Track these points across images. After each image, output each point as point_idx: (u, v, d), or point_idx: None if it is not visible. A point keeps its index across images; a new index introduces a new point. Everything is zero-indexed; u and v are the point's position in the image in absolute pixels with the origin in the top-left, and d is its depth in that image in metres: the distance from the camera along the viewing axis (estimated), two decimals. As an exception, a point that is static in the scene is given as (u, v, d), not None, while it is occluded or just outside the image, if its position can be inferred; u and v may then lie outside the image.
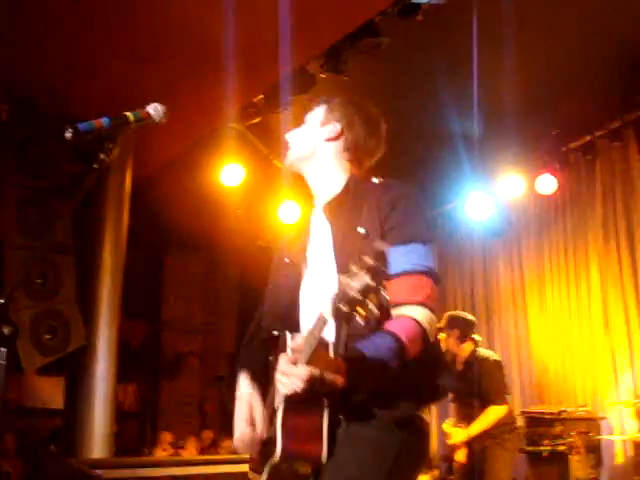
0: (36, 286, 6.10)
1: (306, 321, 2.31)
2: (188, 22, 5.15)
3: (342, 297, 1.82)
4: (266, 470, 2.21)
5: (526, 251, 8.63)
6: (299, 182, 2.64)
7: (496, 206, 8.41)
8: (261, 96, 6.29)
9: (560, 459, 6.50)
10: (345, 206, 2.38)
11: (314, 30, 5.37)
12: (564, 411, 6.80)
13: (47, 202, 6.24)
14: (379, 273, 1.80)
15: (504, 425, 5.65)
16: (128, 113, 2.13)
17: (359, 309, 1.82)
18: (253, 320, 2.67)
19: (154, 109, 2.20)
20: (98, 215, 6.61)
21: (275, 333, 2.41)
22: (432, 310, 2.19)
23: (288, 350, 2.06)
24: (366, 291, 1.80)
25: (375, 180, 2.44)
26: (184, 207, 8.29)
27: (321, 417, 2.09)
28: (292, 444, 2.11)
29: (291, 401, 2.09)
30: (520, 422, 7.07)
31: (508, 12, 5.47)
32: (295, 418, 2.13)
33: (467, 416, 5.79)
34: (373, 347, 2.06)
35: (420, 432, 2.30)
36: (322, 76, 5.94)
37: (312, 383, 1.93)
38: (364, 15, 5.31)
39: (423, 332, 2.15)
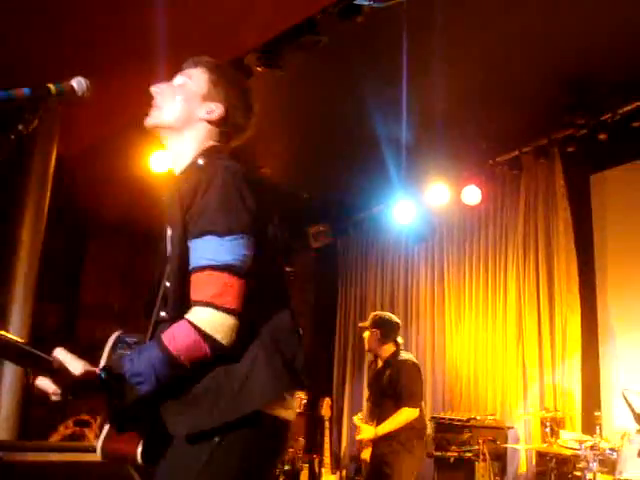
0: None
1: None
2: (123, 6, 5.07)
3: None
4: None
5: (447, 260, 8.76)
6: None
7: (421, 213, 8.53)
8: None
9: (466, 465, 6.63)
10: (172, 195, 2.18)
11: (254, 22, 5.34)
12: (473, 419, 6.93)
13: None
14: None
15: (413, 430, 5.65)
16: (50, 85, 2.07)
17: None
18: None
19: (77, 83, 2.14)
20: (18, 194, 6.43)
21: None
22: (222, 309, 1.97)
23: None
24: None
25: (200, 162, 2.22)
26: (110, 191, 8.15)
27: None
28: (109, 443, 2.09)
29: None
30: (430, 427, 7.18)
31: (440, 23, 5.54)
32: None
33: (378, 416, 5.78)
34: (135, 357, 1.98)
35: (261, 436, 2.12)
36: (258, 69, 5.91)
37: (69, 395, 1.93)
38: (305, 11, 5.30)
39: (200, 335, 1.95)
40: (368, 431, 5.76)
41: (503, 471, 6.70)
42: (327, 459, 7.20)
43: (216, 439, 2.01)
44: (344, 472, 7.93)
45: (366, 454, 5.82)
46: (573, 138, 7.20)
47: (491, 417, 7.14)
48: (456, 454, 6.73)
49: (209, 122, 2.32)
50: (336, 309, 10.19)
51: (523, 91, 6.69)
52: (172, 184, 2.25)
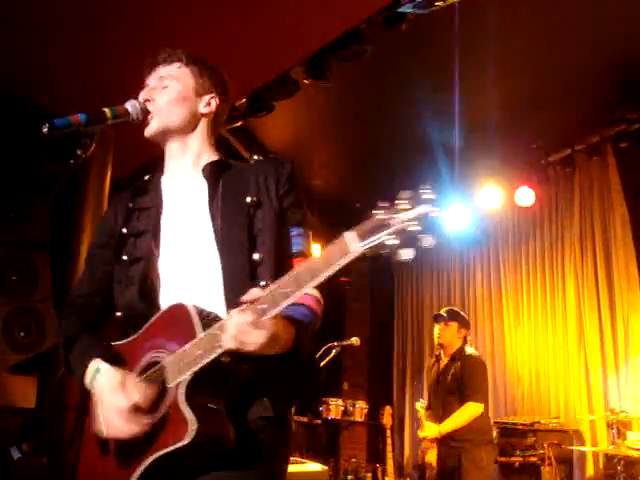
0: (12, 283, 6.05)
1: (173, 300, 2.10)
2: (173, 25, 5.14)
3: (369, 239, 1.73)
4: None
5: (503, 263, 8.68)
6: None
7: (474, 217, 8.47)
8: (244, 100, 6.29)
9: (532, 470, 6.54)
10: (226, 174, 2.28)
11: (299, 36, 5.38)
12: (537, 422, 6.85)
13: (24, 198, 6.19)
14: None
15: (481, 432, 5.60)
16: (106, 109, 2.12)
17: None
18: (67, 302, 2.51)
19: (132, 106, 2.19)
20: (76, 213, 6.56)
21: (119, 314, 2.25)
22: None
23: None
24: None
25: (256, 157, 2.39)
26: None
27: (223, 401, 1.95)
28: (203, 425, 1.88)
29: (198, 376, 1.90)
30: (493, 433, 7.12)
31: (490, 25, 5.52)
32: (200, 396, 1.93)
33: (442, 415, 5.72)
34: (298, 313, 2.02)
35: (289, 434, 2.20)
36: (306, 82, 5.95)
37: (272, 342, 1.85)
38: (349, 22, 5.31)
39: (321, 306, 2.14)
40: (432, 429, 5.70)
41: (570, 475, 6.59)
42: (390, 468, 7.16)
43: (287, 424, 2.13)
44: (407, 480, 7.89)
45: (431, 456, 5.73)
46: (626, 133, 7.12)
47: (555, 420, 7.04)
48: (521, 459, 6.65)
49: (208, 116, 2.35)
50: (393, 317, 10.16)
51: (573, 89, 6.62)
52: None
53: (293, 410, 2.26)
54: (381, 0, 5.07)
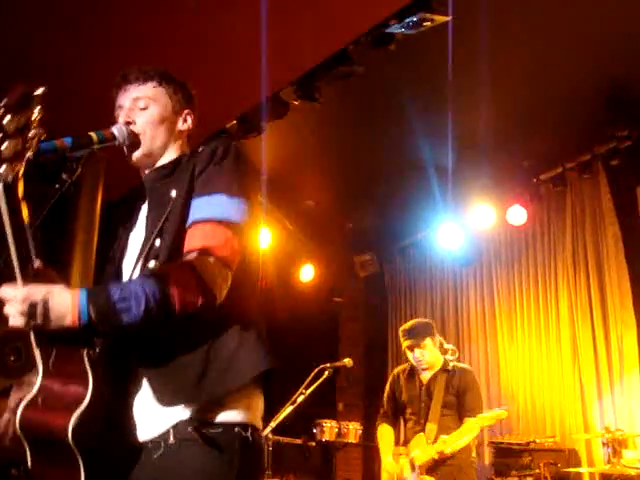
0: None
1: None
2: (163, 48, 5.16)
3: None
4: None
5: (496, 281, 8.67)
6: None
7: (467, 236, 8.48)
8: (234, 122, 6.29)
9: (529, 490, 6.49)
10: (169, 178, 2.20)
11: (289, 57, 5.40)
12: (532, 442, 6.79)
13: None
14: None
15: (470, 451, 5.29)
16: (92, 133, 2.11)
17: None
18: None
19: (119, 130, 2.18)
20: (67, 237, 6.55)
21: None
22: (221, 261, 1.94)
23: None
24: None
25: (200, 148, 2.22)
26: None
27: (85, 388, 1.80)
28: (35, 411, 1.80)
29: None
30: (488, 453, 7.08)
31: (481, 44, 5.53)
32: (55, 380, 1.85)
33: (437, 433, 5.21)
34: (122, 284, 1.89)
35: (254, 449, 2.00)
36: (295, 103, 5.96)
37: (32, 310, 1.71)
38: (338, 43, 5.34)
39: (197, 277, 1.87)
40: (428, 452, 5.16)
41: (567, 495, 6.55)
42: (385, 489, 7.11)
43: (204, 430, 1.90)
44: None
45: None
46: (617, 151, 7.14)
47: (551, 439, 6.99)
48: (517, 479, 6.59)
49: (185, 132, 2.35)
50: (387, 337, 10.12)
51: (563, 107, 6.64)
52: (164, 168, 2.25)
53: (252, 414, 2.03)
54: (370, 21, 5.10)
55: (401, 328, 5.71)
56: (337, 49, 5.33)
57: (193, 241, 1.97)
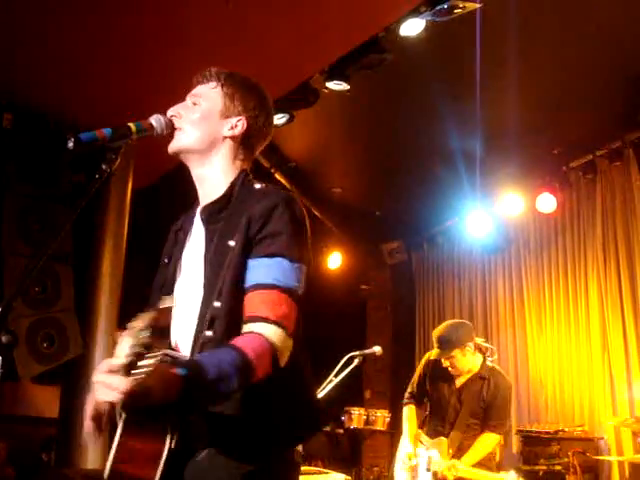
0: (35, 294, 6.08)
1: (173, 339, 2.13)
2: (193, 39, 5.19)
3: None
4: None
5: (525, 269, 8.63)
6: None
7: (496, 224, 8.44)
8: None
9: (557, 479, 6.47)
10: (223, 213, 2.17)
11: (319, 45, 5.39)
12: (561, 430, 6.79)
13: (48, 211, 6.24)
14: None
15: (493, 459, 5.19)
16: (131, 124, 2.12)
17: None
18: None
19: (157, 120, 2.19)
20: (98, 225, 6.61)
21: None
22: (286, 331, 1.96)
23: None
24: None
25: (257, 186, 2.19)
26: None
27: (162, 443, 1.85)
28: (123, 465, 1.87)
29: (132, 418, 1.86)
30: (517, 440, 7.06)
31: (511, 32, 5.50)
32: (135, 437, 1.90)
33: (460, 443, 5.08)
34: (215, 360, 1.85)
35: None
36: (325, 91, 5.96)
37: (133, 400, 1.67)
38: (369, 31, 5.33)
39: (272, 350, 1.92)
40: (444, 466, 4.97)
41: (596, 484, 6.53)
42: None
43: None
44: None
45: None
46: (648, 138, 7.08)
47: (579, 428, 6.98)
48: (545, 467, 6.58)
49: (233, 139, 2.24)
50: (415, 325, 10.12)
51: (594, 94, 6.59)
52: (223, 200, 2.21)
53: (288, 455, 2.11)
54: (400, 9, 5.08)
55: (434, 331, 5.46)
56: (368, 37, 5.31)
57: (257, 307, 1.98)
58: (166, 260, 2.30)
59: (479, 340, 5.38)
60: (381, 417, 6.75)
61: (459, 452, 5.05)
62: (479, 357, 5.25)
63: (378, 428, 6.73)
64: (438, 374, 5.40)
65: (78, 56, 5.51)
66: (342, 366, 5.37)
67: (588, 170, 7.83)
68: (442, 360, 5.22)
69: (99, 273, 6.58)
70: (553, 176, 8.00)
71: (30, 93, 5.93)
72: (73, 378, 6.40)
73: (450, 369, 5.22)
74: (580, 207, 8.07)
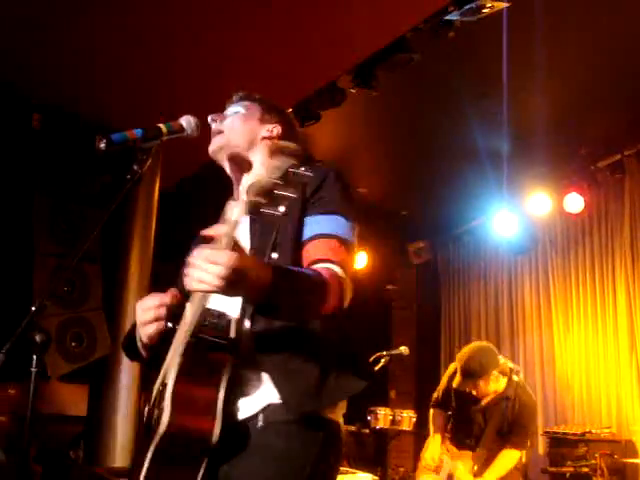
0: (64, 294, 6.14)
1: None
2: (224, 39, 5.21)
3: (256, 188, 1.65)
4: (151, 449, 1.89)
5: (552, 270, 8.58)
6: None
7: (522, 224, 8.40)
8: (290, 109, 6.32)
9: (584, 481, 6.43)
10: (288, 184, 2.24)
11: (346, 45, 5.40)
12: (588, 432, 6.73)
13: (76, 211, 6.30)
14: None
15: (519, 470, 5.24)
16: (161, 125, 2.14)
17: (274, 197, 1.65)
18: None
19: (187, 121, 2.21)
20: (126, 225, 6.66)
21: (170, 325, 2.17)
22: (351, 277, 2.03)
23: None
24: (286, 181, 1.66)
25: (302, 168, 2.26)
26: (209, 220, 8.32)
27: (217, 390, 1.89)
28: (180, 417, 1.85)
29: (186, 367, 1.86)
30: (543, 442, 7.02)
31: (538, 31, 5.47)
32: (189, 384, 1.89)
33: (485, 460, 5.11)
34: (302, 272, 1.92)
35: (335, 441, 2.12)
36: (352, 91, 5.96)
37: (235, 277, 1.64)
38: (396, 31, 5.32)
39: (341, 284, 1.97)
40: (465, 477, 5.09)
41: (624, 486, 6.48)
42: (438, 477, 7.10)
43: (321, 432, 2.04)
44: None
45: None
46: (677, 137, 7.02)
47: (607, 430, 6.92)
48: (572, 469, 6.52)
49: (270, 139, 2.38)
50: (440, 325, 10.10)
51: (621, 93, 6.53)
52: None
53: (338, 412, 2.15)
54: (428, 8, 5.07)
55: (457, 357, 5.43)
56: (396, 36, 5.31)
57: (321, 252, 2.04)
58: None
59: (503, 360, 5.35)
60: (407, 417, 6.70)
61: (483, 468, 5.09)
62: (503, 380, 5.24)
63: (404, 428, 6.68)
64: (463, 390, 5.37)
65: (109, 56, 5.55)
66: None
67: (616, 170, 7.77)
68: (467, 388, 5.27)
69: (127, 273, 6.62)
70: (581, 176, 7.95)
71: (59, 93, 5.98)
72: (101, 377, 6.46)
73: (474, 392, 5.27)
74: (608, 207, 8.02)
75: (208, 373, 1.91)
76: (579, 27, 5.74)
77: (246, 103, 2.45)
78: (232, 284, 1.65)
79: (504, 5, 5.10)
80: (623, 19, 5.64)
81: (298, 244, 2.09)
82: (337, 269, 1.99)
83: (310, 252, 2.05)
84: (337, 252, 2.03)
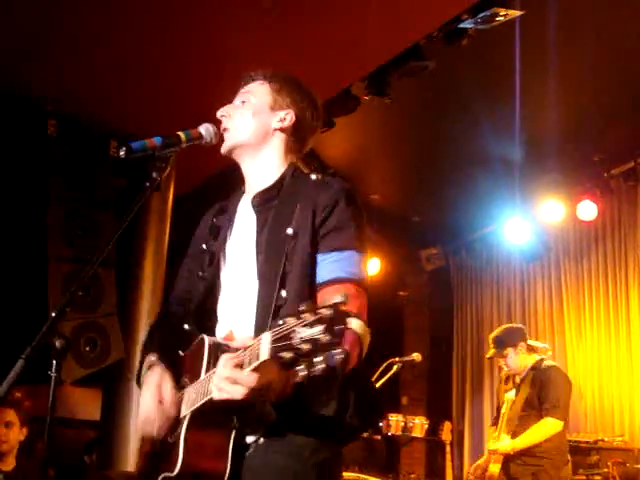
0: (78, 299, 6.16)
1: (223, 326, 2.19)
2: (237, 46, 5.24)
3: (284, 345, 1.54)
4: None
5: (565, 277, 8.57)
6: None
7: (535, 231, 8.39)
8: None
9: (596, 489, 6.41)
10: (274, 201, 2.21)
11: (360, 52, 5.41)
12: (601, 440, 6.72)
13: (91, 216, 6.32)
14: (335, 327, 1.51)
15: (561, 452, 5.38)
16: (180, 133, 2.17)
17: (302, 364, 1.53)
18: (165, 302, 2.53)
19: (205, 129, 2.23)
20: (140, 230, 6.69)
21: (186, 327, 2.24)
22: (365, 323, 1.96)
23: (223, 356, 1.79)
24: (316, 347, 1.51)
25: (313, 176, 2.25)
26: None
27: (229, 435, 1.93)
28: (195, 459, 1.91)
29: (201, 412, 1.91)
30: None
31: (551, 38, 5.48)
32: (202, 431, 1.95)
33: (515, 430, 5.44)
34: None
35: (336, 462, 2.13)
36: (366, 98, 5.97)
37: (259, 393, 1.73)
38: (410, 38, 5.33)
39: (360, 343, 1.94)
40: (505, 442, 5.42)
41: (636, 494, 6.46)
42: (450, 483, 7.09)
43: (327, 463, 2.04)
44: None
45: (494, 468, 5.45)
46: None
47: (619, 438, 6.91)
48: (584, 477, 6.50)
49: (283, 131, 2.32)
50: (452, 332, 10.08)
51: (635, 100, 6.53)
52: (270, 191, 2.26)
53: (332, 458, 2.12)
54: (442, 16, 5.08)
55: (489, 335, 6.00)
56: (410, 44, 5.32)
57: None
58: (204, 246, 2.36)
59: (532, 342, 5.83)
60: (419, 424, 6.68)
61: (513, 437, 5.41)
62: (533, 357, 5.63)
63: (416, 435, 6.68)
64: (507, 384, 5.92)
65: (125, 64, 5.58)
66: (381, 372, 5.41)
67: (629, 177, 7.77)
68: (499, 361, 5.78)
69: (141, 278, 6.65)
70: (594, 183, 7.93)
71: (75, 100, 6.02)
72: (114, 381, 6.48)
73: (505, 368, 5.71)
74: (621, 214, 8.01)
75: (220, 421, 1.95)
76: (592, 35, 5.75)
77: (254, 86, 2.35)
78: (255, 398, 1.75)
79: (518, 13, 5.11)
80: (636, 30, 5.65)
81: (307, 277, 2.06)
82: (356, 324, 1.90)
83: (327, 299, 1.93)
84: (354, 300, 1.96)
